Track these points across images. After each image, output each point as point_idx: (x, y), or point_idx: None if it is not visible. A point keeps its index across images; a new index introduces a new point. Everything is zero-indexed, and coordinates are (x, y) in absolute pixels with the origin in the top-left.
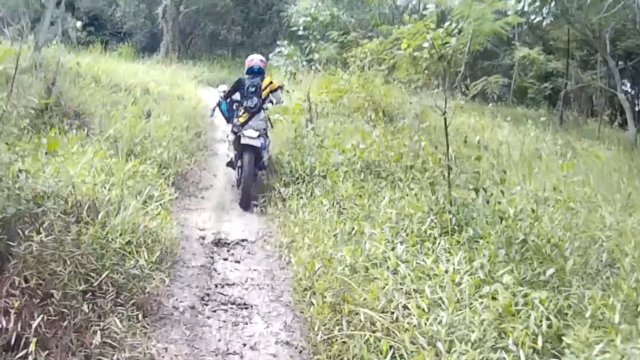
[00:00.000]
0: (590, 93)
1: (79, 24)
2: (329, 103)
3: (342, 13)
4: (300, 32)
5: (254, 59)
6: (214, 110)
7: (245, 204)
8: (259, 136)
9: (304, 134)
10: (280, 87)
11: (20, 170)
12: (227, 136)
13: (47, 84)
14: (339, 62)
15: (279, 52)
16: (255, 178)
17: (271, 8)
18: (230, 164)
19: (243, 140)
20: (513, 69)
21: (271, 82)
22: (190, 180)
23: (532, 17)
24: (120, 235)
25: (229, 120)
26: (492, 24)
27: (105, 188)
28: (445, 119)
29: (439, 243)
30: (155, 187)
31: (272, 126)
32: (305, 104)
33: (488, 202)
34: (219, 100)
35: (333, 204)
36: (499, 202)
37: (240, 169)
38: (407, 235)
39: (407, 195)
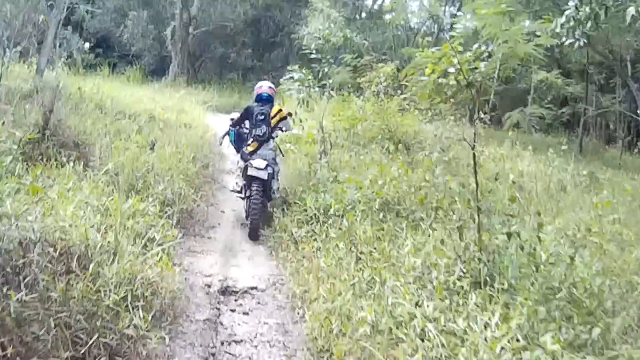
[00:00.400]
0: (608, 118)
1: (86, 45)
2: (342, 132)
3: (355, 35)
4: (312, 55)
5: (263, 86)
6: (222, 138)
7: (254, 235)
8: (267, 166)
9: (316, 168)
10: (290, 114)
11: None
12: (237, 163)
13: (44, 112)
14: (352, 87)
15: (290, 77)
16: (265, 209)
17: (282, 30)
18: (235, 190)
19: (250, 172)
20: (529, 94)
21: (280, 110)
22: (196, 218)
23: (564, 39)
24: (115, 288)
25: (238, 149)
26: (526, 46)
27: (99, 232)
28: (474, 154)
29: (470, 297)
30: (157, 228)
31: (282, 154)
32: (319, 133)
33: (522, 248)
34: (228, 129)
35: (350, 248)
36: (534, 249)
37: (248, 199)
38: (434, 287)
39: (431, 237)
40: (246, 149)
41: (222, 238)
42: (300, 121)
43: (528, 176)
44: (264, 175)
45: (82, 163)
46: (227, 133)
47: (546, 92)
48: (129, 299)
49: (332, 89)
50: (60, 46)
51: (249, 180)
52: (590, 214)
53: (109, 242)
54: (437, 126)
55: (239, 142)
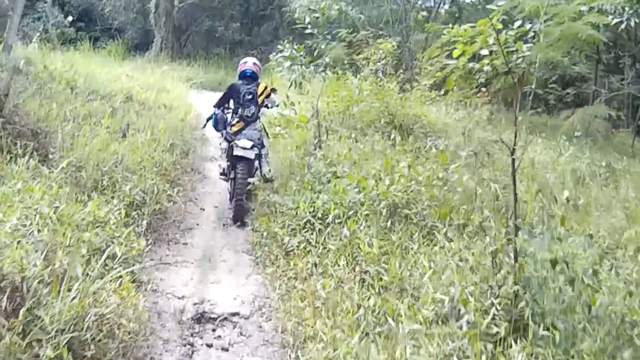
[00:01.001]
0: (615, 100)
1: (68, 19)
2: (336, 115)
3: (350, 8)
4: (307, 30)
5: (247, 62)
6: (207, 121)
7: (238, 219)
8: (253, 147)
9: (311, 161)
10: (274, 90)
11: None
12: (220, 144)
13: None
14: (347, 65)
15: (280, 54)
16: (249, 191)
17: (272, 3)
18: (223, 174)
19: (236, 152)
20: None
21: (266, 87)
22: (170, 219)
23: (610, 17)
24: (57, 334)
25: (218, 129)
26: (582, 26)
27: (44, 253)
28: (513, 160)
29: (510, 347)
30: (120, 239)
31: (268, 136)
32: (313, 117)
33: (572, 282)
34: (213, 112)
35: (353, 267)
36: (588, 285)
37: (233, 181)
38: (464, 334)
39: (449, 251)
40: (230, 129)
41: (200, 243)
42: (292, 104)
43: (541, 166)
44: (250, 154)
45: (40, 156)
46: (211, 117)
47: (551, 72)
48: (75, 346)
49: (326, 68)
50: (39, 20)
51: (235, 160)
52: (618, 215)
53: (54, 268)
54: (440, 108)
55: (221, 125)
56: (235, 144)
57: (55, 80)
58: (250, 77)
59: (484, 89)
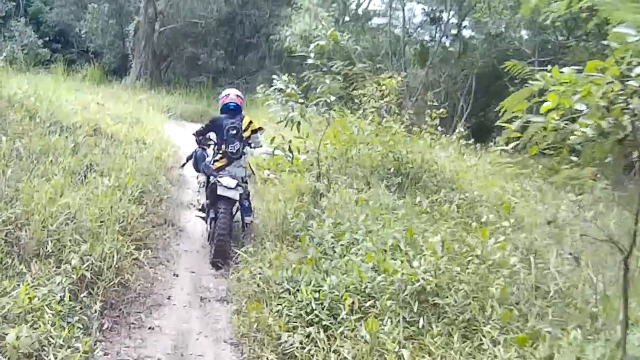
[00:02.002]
0: None
1: (40, 40)
2: (334, 158)
3: (346, 39)
4: (309, 60)
5: (230, 94)
6: (186, 161)
7: (218, 260)
8: (237, 185)
9: (311, 222)
10: (260, 129)
11: None
12: (197, 177)
13: None
14: (342, 100)
15: (274, 87)
16: (232, 232)
17: (259, 30)
18: (201, 210)
19: (220, 191)
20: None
21: (251, 122)
22: (135, 291)
23: None
24: None
25: (198, 169)
26: None
27: None
28: (626, 265)
29: None
30: (58, 341)
31: (253, 172)
32: (313, 167)
33: None
34: (194, 152)
35: None
36: None
37: (213, 221)
38: None
39: None
40: (213, 164)
41: (170, 327)
42: (291, 151)
43: None
44: (234, 195)
45: None
46: (191, 156)
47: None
48: None
49: (330, 107)
50: (10, 39)
51: (216, 199)
52: None
53: None
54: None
55: (201, 164)
56: (219, 181)
57: (13, 108)
58: (234, 111)
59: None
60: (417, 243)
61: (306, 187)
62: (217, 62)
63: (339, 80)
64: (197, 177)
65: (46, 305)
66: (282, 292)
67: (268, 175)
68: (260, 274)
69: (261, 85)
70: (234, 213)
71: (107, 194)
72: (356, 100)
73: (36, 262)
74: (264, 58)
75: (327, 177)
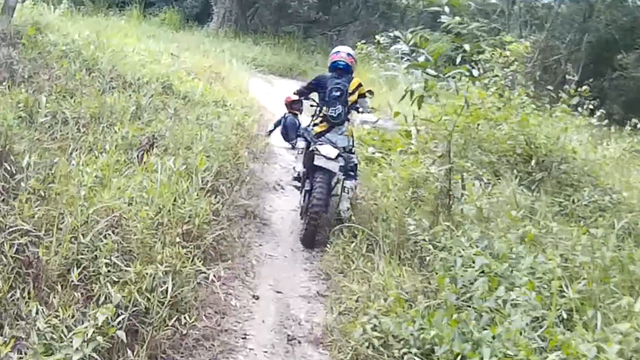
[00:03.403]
0: None
1: None
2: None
3: None
4: (444, 18)
5: (341, 52)
6: (274, 128)
7: (309, 241)
8: (338, 156)
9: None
10: (370, 92)
11: None
12: (295, 144)
13: None
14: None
15: (394, 47)
16: (327, 209)
17: None
18: (296, 179)
19: (317, 161)
20: None
21: (360, 85)
22: (198, 332)
23: None
24: None
25: (292, 142)
26: None
27: None
28: None
29: None
30: None
31: (353, 145)
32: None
33: None
34: (282, 117)
35: None
36: None
37: (308, 194)
38: None
39: None
40: (312, 129)
41: None
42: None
43: None
44: (334, 167)
45: None
46: (280, 122)
47: None
48: None
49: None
50: None
51: (313, 170)
52: None
53: None
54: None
55: (292, 133)
56: (317, 149)
57: (67, 58)
58: (343, 70)
59: None
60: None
61: (423, 176)
62: (308, 10)
63: (450, 40)
64: (295, 144)
65: None
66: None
67: (373, 153)
68: (371, 318)
69: (363, 41)
70: (332, 186)
71: (170, 183)
72: (476, 67)
73: (55, 295)
74: (357, 9)
75: (461, 175)
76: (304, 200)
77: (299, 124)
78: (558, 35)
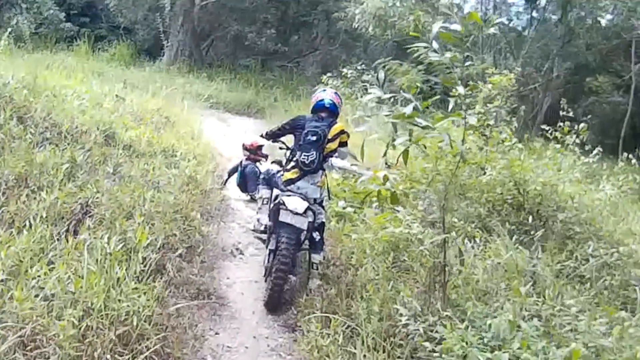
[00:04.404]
0: None
1: (63, 14)
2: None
3: (430, 20)
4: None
5: (327, 90)
6: (229, 175)
7: (273, 306)
8: (307, 210)
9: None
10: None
11: None
12: (258, 191)
13: None
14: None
15: (368, 94)
16: (294, 269)
17: (316, 7)
18: (262, 232)
19: (282, 217)
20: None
21: (343, 132)
22: None
23: None
24: None
25: (251, 193)
26: None
27: None
28: None
29: None
30: None
31: (330, 197)
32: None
33: None
34: (238, 164)
35: None
36: None
37: (272, 254)
38: None
39: None
40: (282, 175)
41: None
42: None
43: None
44: (302, 224)
45: None
46: (236, 169)
47: None
48: None
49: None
50: (28, 11)
51: (279, 226)
52: None
53: None
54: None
55: (251, 184)
56: (283, 202)
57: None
58: (329, 111)
59: None
60: None
61: (402, 237)
62: (266, 42)
63: (421, 71)
64: (252, 196)
65: None
66: None
67: (344, 208)
68: None
69: (327, 74)
70: (301, 244)
71: (103, 270)
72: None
73: None
74: (317, 37)
75: (459, 248)
76: (268, 260)
77: (259, 173)
78: (534, 62)
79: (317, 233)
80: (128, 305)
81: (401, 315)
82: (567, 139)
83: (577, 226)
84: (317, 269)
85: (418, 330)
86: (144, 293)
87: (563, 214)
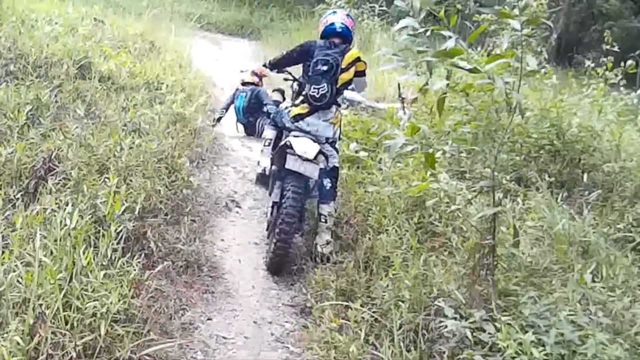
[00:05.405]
0: None
1: None
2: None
3: None
4: None
5: (337, 12)
6: (222, 111)
7: (277, 269)
8: (318, 154)
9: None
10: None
11: None
12: (263, 133)
13: None
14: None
15: (400, 24)
16: (301, 225)
17: None
18: (262, 175)
19: (290, 164)
20: None
21: (358, 59)
22: None
23: None
24: None
25: (249, 127)
26: None
27: None
28: None
29: None
30: None
31: (339, 137)
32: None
33: None
34: (235, 92)
35: None
36: None
37: (277, 207)
38: None
39: None
40: (289, 110)
41: None
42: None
43: None
44: (312, 172)
45: None
46: (232, 102)
47: None
48: None
49: None
50: None
51: (285, 172)
52: None
53: None
54: None
55: (252, 112)
56: (291, 144)
57: None
58: (341, 37)
59: None
60: None
61: (431, 193)
62: None
63: None
64: (262, 133)
65: None
66: None
67: (356, 151)
68: None
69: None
70: (309, 193)
71: (63, 253)
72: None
73: None
74: None
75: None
76: (271, 214)
77: (265, 99)
78: None
79: (327, 180)
80: (95, 307)
81: (439, 308)
82: (608, 75)
83: (619, 176)
84: (327, 222)
85: (464, 332)
86: (115, 289)
87: (610, 164)
